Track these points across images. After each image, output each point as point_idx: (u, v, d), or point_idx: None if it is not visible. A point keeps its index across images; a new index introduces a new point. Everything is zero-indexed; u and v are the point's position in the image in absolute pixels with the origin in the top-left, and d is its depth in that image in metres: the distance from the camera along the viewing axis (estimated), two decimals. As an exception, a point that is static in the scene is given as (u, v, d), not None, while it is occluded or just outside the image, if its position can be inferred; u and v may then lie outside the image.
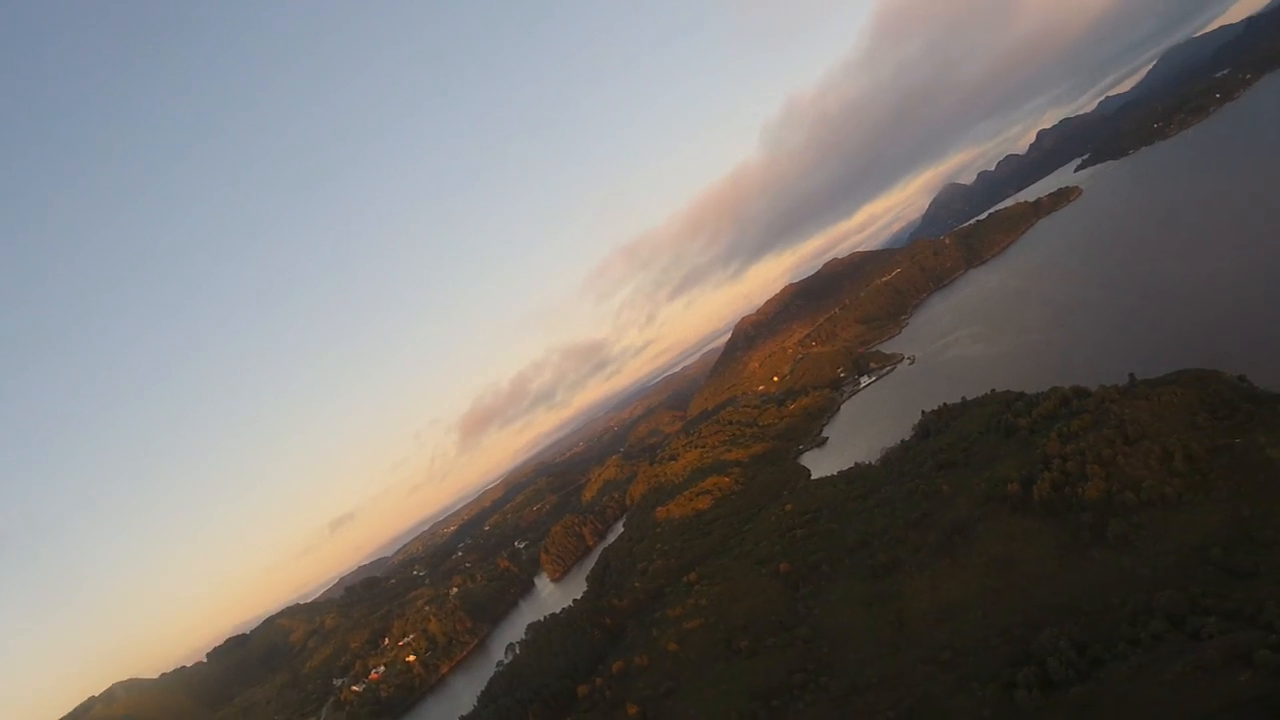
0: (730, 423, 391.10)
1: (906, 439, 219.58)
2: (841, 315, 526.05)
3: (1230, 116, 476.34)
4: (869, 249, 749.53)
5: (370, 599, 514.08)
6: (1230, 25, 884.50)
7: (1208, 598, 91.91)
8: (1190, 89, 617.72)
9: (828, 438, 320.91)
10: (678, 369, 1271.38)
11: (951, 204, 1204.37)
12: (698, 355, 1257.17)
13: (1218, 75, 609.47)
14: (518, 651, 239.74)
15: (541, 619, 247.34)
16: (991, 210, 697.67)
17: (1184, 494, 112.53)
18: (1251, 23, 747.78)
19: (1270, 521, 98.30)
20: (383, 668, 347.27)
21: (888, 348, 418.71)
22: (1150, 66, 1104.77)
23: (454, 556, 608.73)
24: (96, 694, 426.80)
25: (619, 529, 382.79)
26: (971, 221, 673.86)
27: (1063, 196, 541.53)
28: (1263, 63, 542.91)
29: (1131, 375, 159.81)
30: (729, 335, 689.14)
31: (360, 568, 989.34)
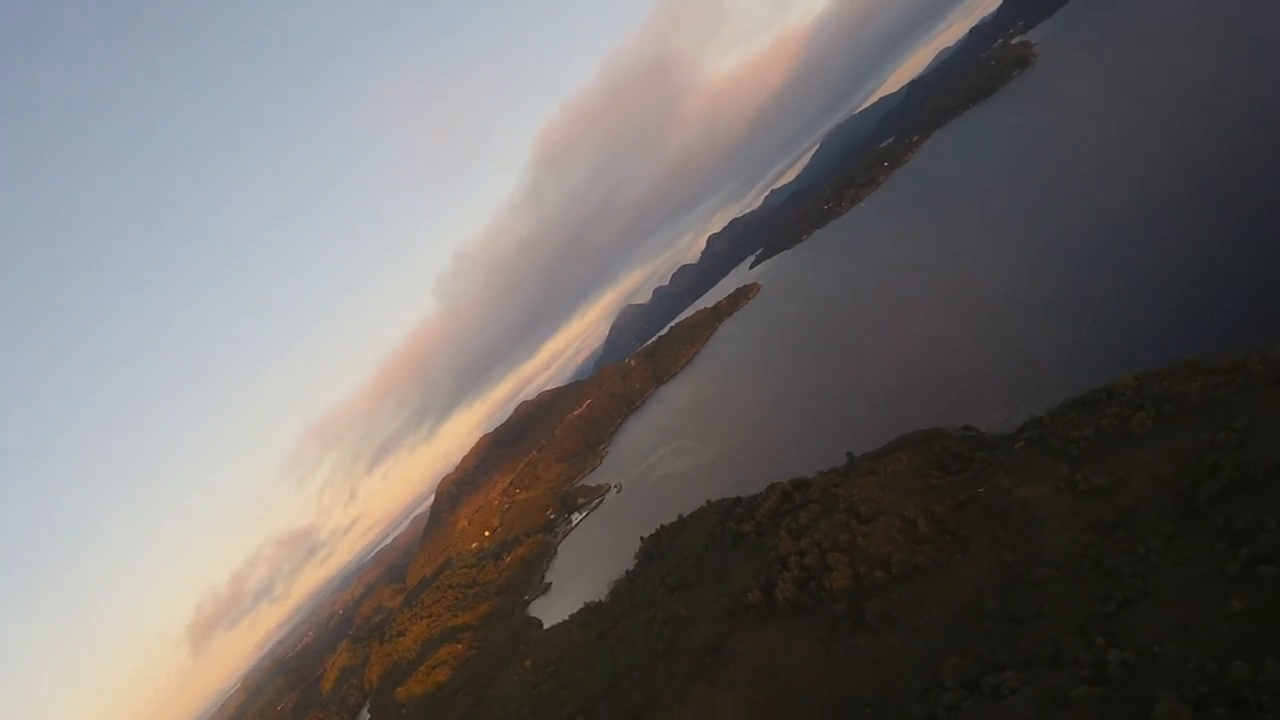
0: (451, 586, 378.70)
1: (631, 568, 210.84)
2: (540, 457, 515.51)
3: (901, 181, 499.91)
4: (557, 386, 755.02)
5: None
6: (891, 95, 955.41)
7: (996, 653, 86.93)
8: (858, 164, 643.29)
9: (551, 583, 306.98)
10: (389, 541, 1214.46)
11: (632, 325, 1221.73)
12: (406, 523, 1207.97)
13: (884, 145, 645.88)
14: None
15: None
16: (672, 324, 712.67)
17: (939, 557, 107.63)
18: (912, 87, 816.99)
19: (1039, 559, 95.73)
20: None
21: (592, 480, 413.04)
22: (813, 151, 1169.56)
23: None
24: None
25: (366, 717, 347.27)
26: (654, 339, 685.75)
27: (742, 296, 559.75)
28: (928, 123, 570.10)
29: (849, 454, 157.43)
30: (433, 498, 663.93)
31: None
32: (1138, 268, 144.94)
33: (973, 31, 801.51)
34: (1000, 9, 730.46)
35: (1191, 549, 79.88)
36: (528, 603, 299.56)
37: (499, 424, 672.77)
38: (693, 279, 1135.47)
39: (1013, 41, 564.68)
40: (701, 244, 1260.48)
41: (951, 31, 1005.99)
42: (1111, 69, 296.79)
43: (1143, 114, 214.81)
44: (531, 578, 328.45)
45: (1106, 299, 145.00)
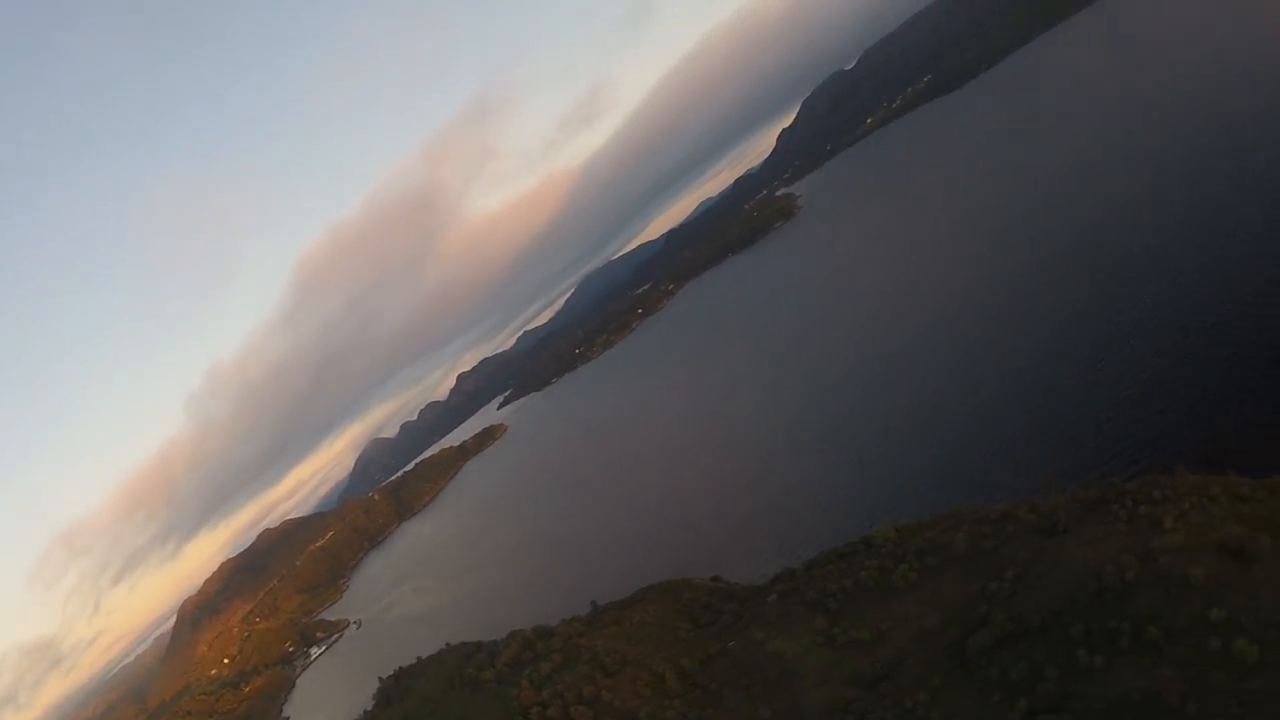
0: (190, 713, 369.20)
1: (369, 709, 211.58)
2: (281, 586, 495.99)
3: (654, 327, 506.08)
4: (300, 515, 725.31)
5: None
6: (651, 242, 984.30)
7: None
8: (612, 309, 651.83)
9: (289, 718, 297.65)
10: (133, 658, 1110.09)
11: (378, 459, 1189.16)
12: (150, 640, 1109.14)
13: (639, 291, 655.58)
14: None
15: None
16: (418, 460, 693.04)
17: (689, 712, 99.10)
18: (672, 235, 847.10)
19: (797, 714, 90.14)
20: None
21: (332, 614, 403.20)
22: (569, 295, 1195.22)
23: None
24: None
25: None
26: (399, 474, 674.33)
27: (489, 436, 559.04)
28: (685, 271, 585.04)
29: (594, 602, 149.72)
30: (175, 619, 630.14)
31: None
32: (896, 418, 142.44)
33: (738, 181, 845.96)
34: (768, 161, 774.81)
35: (964, 701, 75.09)
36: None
37: (242, 549, 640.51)
38: (441, 416, 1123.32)
39: (778, 193, 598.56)
40: (451, 381, 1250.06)
41: (717, 180, 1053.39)
42: (871, 220, 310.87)
43: (903, 265, 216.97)
44: (270, 711, 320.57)
45: (864, 449, 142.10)
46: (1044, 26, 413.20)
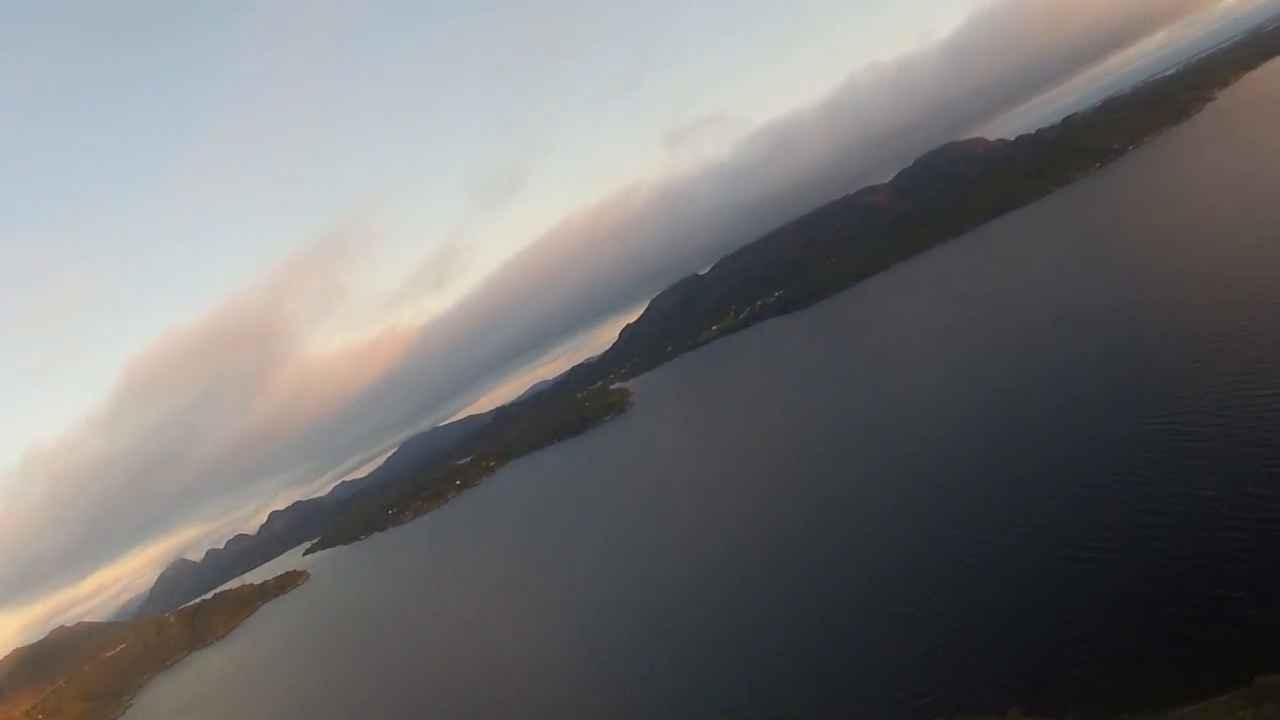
0: None
1: None
2: (68, 689, 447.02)
3: (470, 500, 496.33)
4: (96, 620, 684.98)
5: None
6: (479, 415, 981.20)
7: None
8: (431, 475, 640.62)
9: None
10: None
11: (180, 580, 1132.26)
12: None
13: (461, 462, 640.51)
14: None
15: None
16: (218, 590, 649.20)
17: None
18: (501, 411, 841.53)
19: None
20: None
21: None
22: (391, 453, 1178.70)
23: None
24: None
25: None
26: (198, 600, 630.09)
27: (290, 580, 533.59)
28: (509, 450, 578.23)
29: None
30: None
31: None
32: (688, 640, 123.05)
33: (575, 369, 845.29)
34: (607, 353, 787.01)
35: None
36: None
37: (34, 640, 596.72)
38: (247, 550, 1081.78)
39: (612, 386, 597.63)
40: (263, 517, 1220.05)
41: (554, 365, 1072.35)
42: (699, 426, 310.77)
43: (723, 475, 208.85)
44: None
45: (658, 661, 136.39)
46: (902, 256, 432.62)
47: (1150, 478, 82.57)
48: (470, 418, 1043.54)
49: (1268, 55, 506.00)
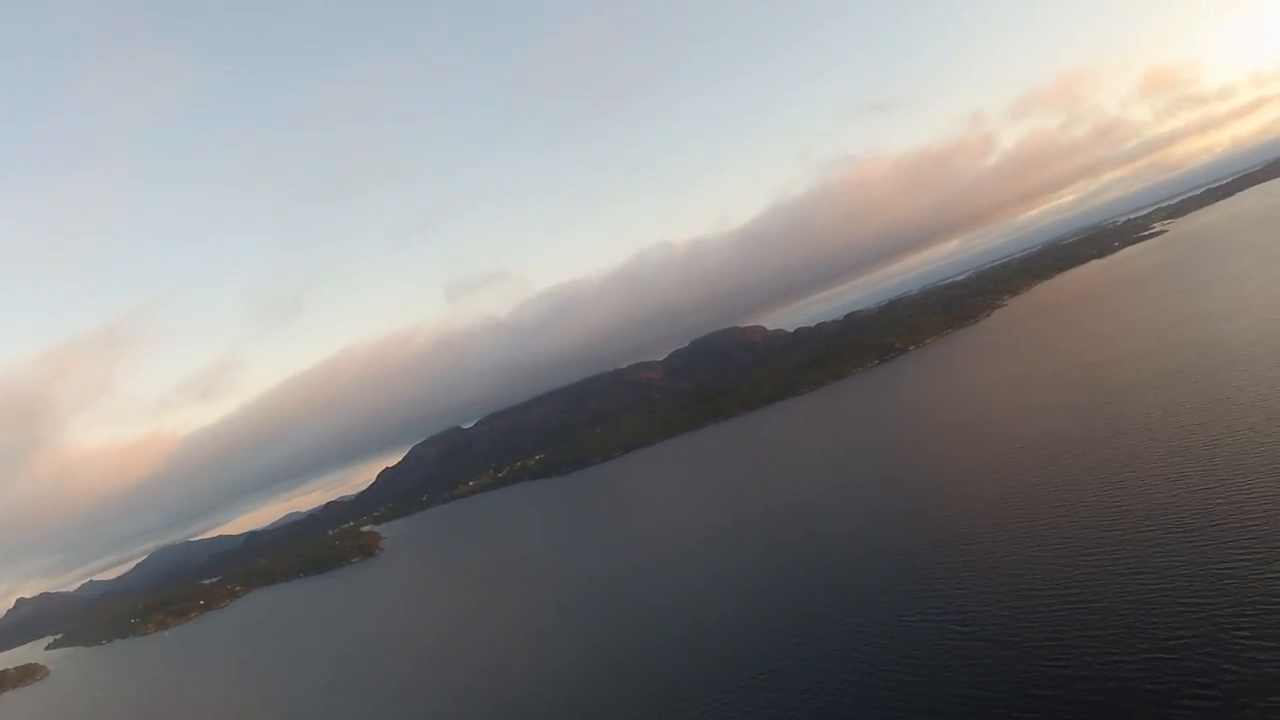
0: None
1: None
2: None
3: (211, 622, 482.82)
4: None
5: None
6: (231, 536, 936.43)
7: None
8: (177, 591, 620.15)
9: None
10: None
11: None
12: None
13: (208, 582, 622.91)
14: None
15: None
16: None
17: None
18: (252, 536, 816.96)
19: None
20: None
21: None
22: (141, 560, 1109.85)
23: None
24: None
25: None
26: None
27: (30, 673, 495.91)
28: (255, 577, 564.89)
29: None
30: None
31: None
32: None
33: (330, 505, 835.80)
34: (364, 494, 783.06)
35: None
36: None
37: None
38: None
39: (364, 528, 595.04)
40: (10, 602, 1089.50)
41: (310, 497, 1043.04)
42: (443, 579, 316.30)
43: (461, 632, 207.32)
44: None
45: None
46: (669, 434, 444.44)
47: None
48: (222, 537, 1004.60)
49: (1063, 266, 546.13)
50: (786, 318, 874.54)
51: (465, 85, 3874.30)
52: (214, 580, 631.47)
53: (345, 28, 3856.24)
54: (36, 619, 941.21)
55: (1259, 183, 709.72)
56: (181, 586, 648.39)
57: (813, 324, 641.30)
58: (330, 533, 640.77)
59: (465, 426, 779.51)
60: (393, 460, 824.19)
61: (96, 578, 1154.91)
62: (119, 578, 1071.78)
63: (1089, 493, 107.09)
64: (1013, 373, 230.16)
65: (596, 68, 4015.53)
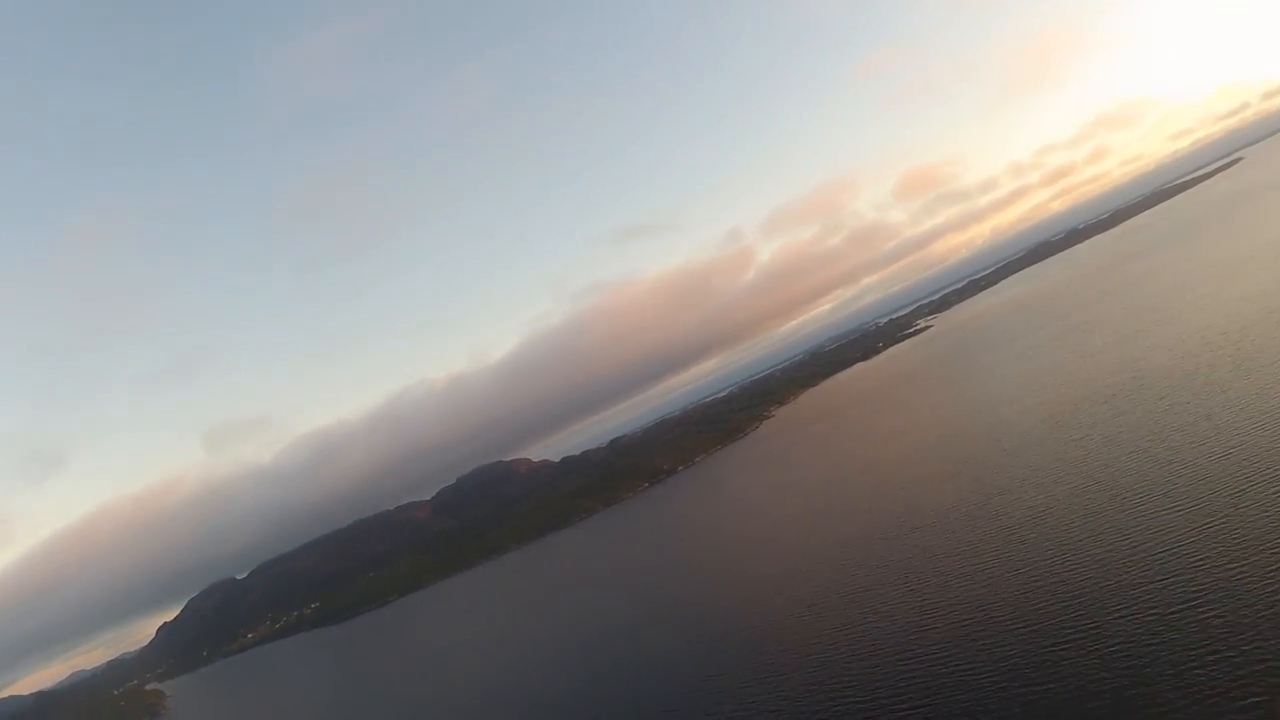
0: None
1: None
2: None
3: None
4: None
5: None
6: (19, 696, 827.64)
7: None
8: None
9: None
10: None
11: None
12: None
13: None
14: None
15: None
16: None
17: None
18: (41, 696, 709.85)
19: None
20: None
21: None
22: None
23: None
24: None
25: None
26: None
27: None
28: None
29: None
30: None
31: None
32: None
33: (111, 663, 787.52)
34: (144, 650, 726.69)
35: None
36: None
37: None
38: None
39: (148, 686, 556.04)
40: None
41: (92, 655, 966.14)
42: None
43: None
44: None
45: None
46: (444, 573, 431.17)
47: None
48: (12, 697, 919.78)
49: (828, 372, 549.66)
50: (552, 448, 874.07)
51: (210, 226, 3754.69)
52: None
53: (88, 171, 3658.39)
54: None
55: (1021, 269, 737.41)
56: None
57: (579, 452, 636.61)
58: (116, 692, 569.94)
59: (239, 577, 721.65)
60: (170, 614, 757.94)
61: None
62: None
63: (889, 590, 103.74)
64: (791, 479, 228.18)
65: (347, 206, 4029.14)
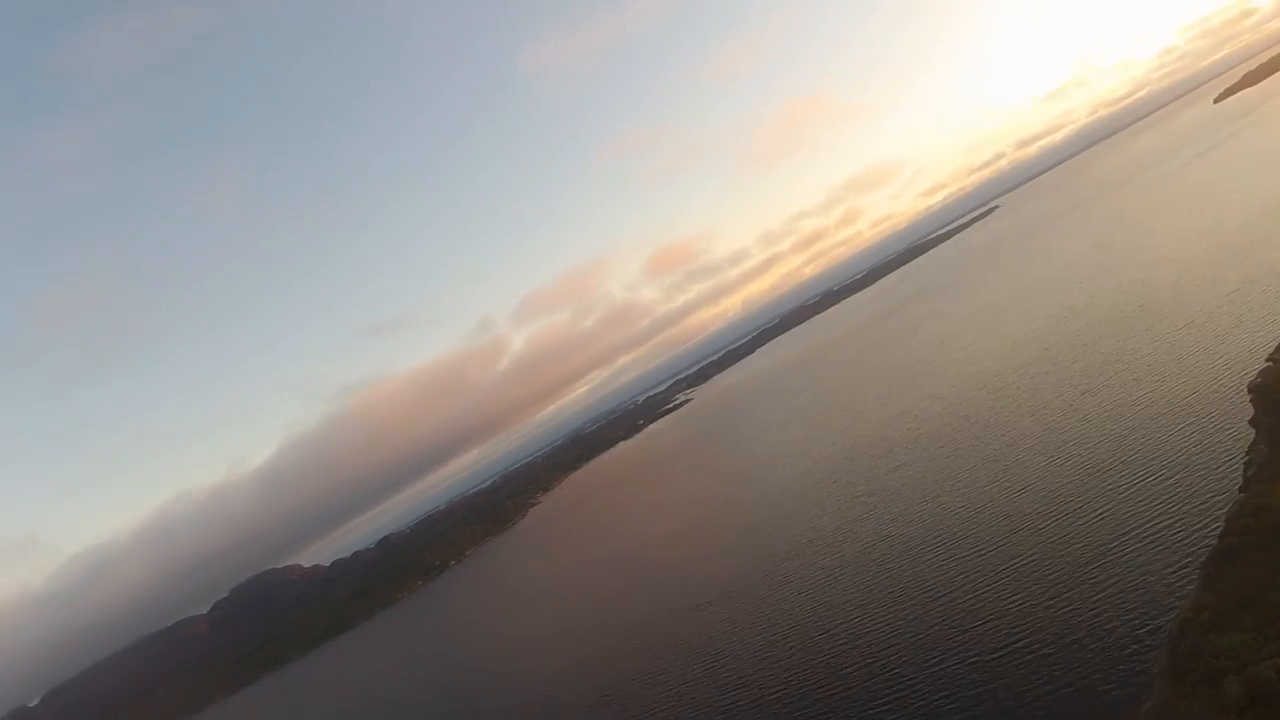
0: None
1: None
2: None
3: None
4: None
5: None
6: None
7: None
8: None
9: None
10: None
11: None
12: None
13: None
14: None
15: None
16: None
17: None
18: None
19: None
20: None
21: None
22: None
23: None
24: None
25: None
26: None
27: None
28: None
29: None
30: None
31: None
32: None
33: None
34: None
35: None
36: None
37: None
38: None
39: None
40: None
41: None
42: None
43: None
44: None
45: None
46: (230, 690, 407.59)
47: None
48: None
49: (591, 454, 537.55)
50: (323, 551, 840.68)
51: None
52: None
53: None
54: None
55: (777, 335, 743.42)
56: None
57: (349, 554, 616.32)
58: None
59: (30, 705, 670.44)
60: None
61: None
62: None
63: (689, 669, 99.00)
64: (567, 564, 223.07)
65: (91, 315, 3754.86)
